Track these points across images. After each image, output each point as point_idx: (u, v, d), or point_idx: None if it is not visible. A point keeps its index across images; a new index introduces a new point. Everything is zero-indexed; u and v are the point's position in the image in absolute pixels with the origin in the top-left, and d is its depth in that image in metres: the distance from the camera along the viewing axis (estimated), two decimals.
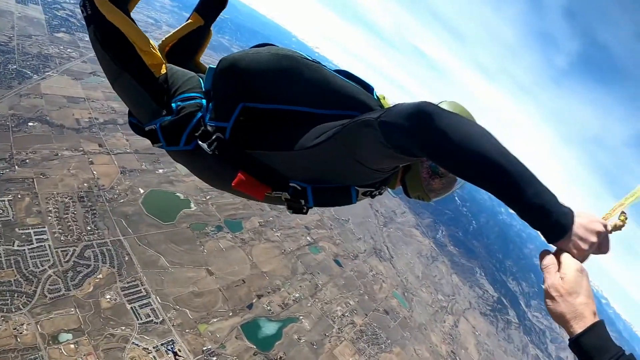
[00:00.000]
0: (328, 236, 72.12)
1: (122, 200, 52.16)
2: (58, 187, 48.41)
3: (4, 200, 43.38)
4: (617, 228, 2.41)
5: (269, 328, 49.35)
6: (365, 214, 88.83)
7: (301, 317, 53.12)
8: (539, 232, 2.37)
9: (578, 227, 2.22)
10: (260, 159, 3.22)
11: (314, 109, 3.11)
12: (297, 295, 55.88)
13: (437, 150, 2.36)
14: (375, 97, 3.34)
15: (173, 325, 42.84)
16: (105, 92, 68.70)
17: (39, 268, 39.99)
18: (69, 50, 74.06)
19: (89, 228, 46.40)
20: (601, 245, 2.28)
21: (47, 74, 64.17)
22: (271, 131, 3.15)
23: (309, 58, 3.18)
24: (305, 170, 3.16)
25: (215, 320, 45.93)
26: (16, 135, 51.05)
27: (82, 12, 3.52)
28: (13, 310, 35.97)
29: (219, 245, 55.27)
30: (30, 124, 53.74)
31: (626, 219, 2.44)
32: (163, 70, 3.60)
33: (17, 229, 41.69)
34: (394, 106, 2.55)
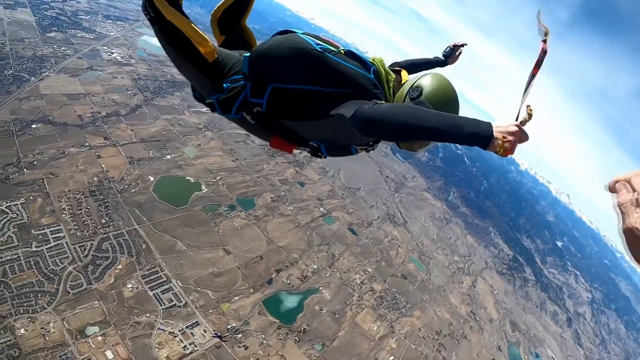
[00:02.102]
0: (341, 206, 72.22)
1: (133, 190, 52.72)
2: (69, 185, 49.02)
3: (17, 204, 44.05)
4: (528, 119, 3.47)
5: (290, 301, 49.87)
6: (376, 181, 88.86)
7: (321, 288, 53.61)
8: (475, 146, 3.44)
9: (497, 133, 3.27)
10: (288, 125, 4.80)
11: (323, 88, 4.44)
12: (315, 266, 56.33)
13: (371, 133, 3.86)
14: (372, 71, 4.71)
15: (196, 307, 43.52)
16: (104, 86, 69.07)
17: (58, 266, 40.78)
18: (63, 48, 73.82)
19: (103, 221, 47.07)
20: (521, 135, 3.30)
21: (44, 74, 64.31)
22: (294, 105, 4.57)
23: (317, 49, 4.43)
24: (319, 134, 4.83)
25: (237, 298, 46.54)
26: (21, 138, 51.59)
27: (146, 15, 4.56)
28: (38, 310, 36.82)
29: (233, 224, 55.67)
30: (33, 125, 54.11)
31: (532, 110, 3.50)
32: (214, 56, 4.75)
33: (33, 231, 42.45)
34: (358, 108, 3.83)
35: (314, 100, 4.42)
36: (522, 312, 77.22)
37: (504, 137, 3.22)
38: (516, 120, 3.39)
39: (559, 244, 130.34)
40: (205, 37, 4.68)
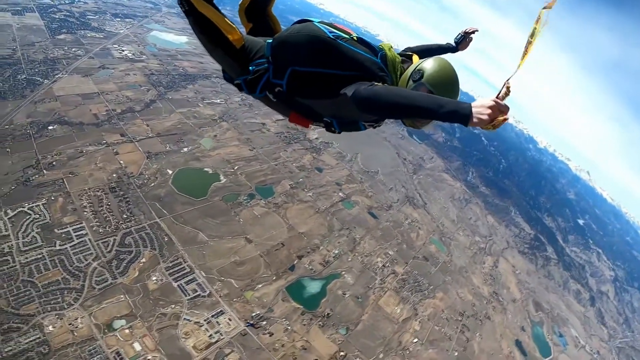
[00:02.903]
0: (359, 190, 71.90)
1: (152, 184, 53.28)
2: (88, 183, 49.69)
3: (38, 205, 44.77)
4: (506, 95, 4.21)
5: (313, 287, 50.08)
6: (394, 164, 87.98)
7: (343, 273, 53.68)
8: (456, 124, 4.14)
9: (475, 110, 3.90)
10: (304, 102, 5.69)
11: (335, 71, 5.28)
12: (336, 251, 56.35)
13: (369, 110, 4.65)
14: (379, 55, 5.56)
15: (220, 297, 43.96)
16: (117, 83, 69.66)
17: (83, 263, 41.45)
18: (73, 49, 74.41)
19: (125, 216, 47.73)
20: (499, 107, 3.90)
21: (57, 76, 64.93)
22: (309, 86, 5.43)
23: (330, 37, 5.31)
24: (331, 111, 5.72)
25: (260, 286, 46.89)
26: (39, 140, 52.27)
27: (181, 7, 5.42)
28: (65, 307, 37.55)
29: (253, 212, 55.93)
30: (50, 127, 54.82)
31: (510, 86, 4.26)
32: (242, 42, 5.66)
33: (56, 230, 43.18)
34: (357, 88, 4.73)
35: (327, 81, 5.27)
36: (545, 291, 76.59)
37: (481, 112, 3.88)
38: (497, 96, 4.07)
39: (580, 221, 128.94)
40: (233, 26, 5.58)
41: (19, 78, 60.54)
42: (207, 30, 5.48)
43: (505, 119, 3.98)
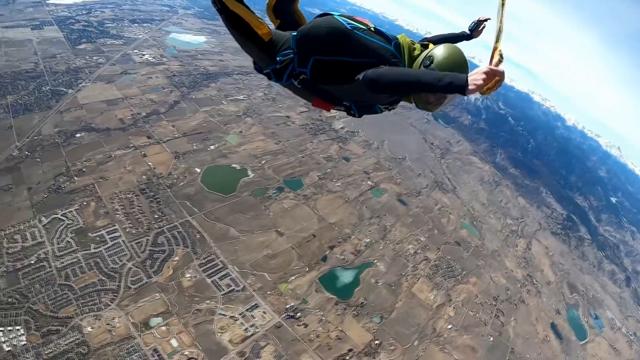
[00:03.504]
0: (388, 177, 71.52)
1: (181, 184, 54.15)
2: (119, 186, 50.80)
3: (71, 211, 46.02)
4: (499, 62, 4.82)
5: (345, 276, 50.13)
6: (421, 149, 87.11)
7: (375, 261, 53.56)
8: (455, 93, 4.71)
9: (471, 78, 4.35)
10: (326, 88, 6.38)
11: (352, 59, 5.87)
12: (367, 240, 56.20)
13: (376, 89, 5.19)
14: (393, 44, 6.10)
15: (254, 290, 44.38)
16: (140, 87, 70.84)
17: (118, 264, 42.47)
18: (95, 58, 75.80)
19: (156, 216, 48.65)
20: (494, 73, 4.29)
21: (80, 85, 66.38)
22: (330, 73, 6.01)
23: (348, 28, 5.95)
24: (349, 95, 6.38)
25: (293, 277, 47.18)
26: (67, 149, 53.69)
27: (214, 6, 6.12)
28: (102, 307, 38.53)
29: (283, 205, 56.23)
30: (77, 135, 56.20)
31: (501, 54, 4.90)
32: (269, 36, 6.29)
33: (89, 234, 44.30)
34: (366, 72, 5.31)
35: (345, 68, 5.85)
36: (580, 272, 75.10)
37: (476, 79, 4.33)
38: (490, 63, 4.68)
39: (613, 199, 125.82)
40: (262, 21, 6.22)
41: (43, 90, 62.12)
42: (238, 26, 6.16)
43: (499, 81, 4.35)
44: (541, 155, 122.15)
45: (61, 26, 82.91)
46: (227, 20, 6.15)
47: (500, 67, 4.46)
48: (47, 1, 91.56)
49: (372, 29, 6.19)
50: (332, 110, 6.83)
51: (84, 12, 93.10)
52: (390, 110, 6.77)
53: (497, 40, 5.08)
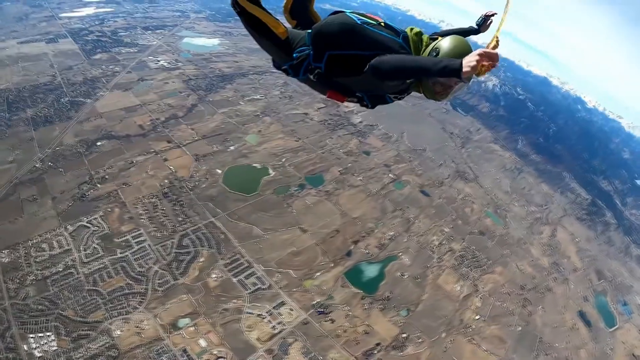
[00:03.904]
0: (409, 169, 71.05)
1: (203, 185, 54.67)
2: (142, 191, 51.53)
3: (96, 218, 46.85)
4: (495, 47, 5.51)
5: (370, 271, 50.07)
6: (441, 139, 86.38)
7: (400, 254, 53.35)
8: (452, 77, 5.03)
9: (465, 61, 4.61)
10: (339, 81, 6.73)
11: (362, 52, 6.14)
12: (391, 233, 55.98)
13: (379, 75, 5.59)
14: (401, 36, 6.52)
15: (280, 288, 44.61)
16: (158, 93, 71.69)
17: (144, 267, 43.17)
18: (110, 67, 76.72)
19: (180, 219, 49.25)
20: (488, 55, 4.52)
21: (98, 94, 67.39)
22: (343, 66, 6.40)
23: (358, 23, 6.36)
24: (361, 86, 6.81)
25: (318, 274, 47.30)
26: (89, 157, 54.64)
27: (234, 9, 6.57)
28: (131, 310, 39.21)
29: (305, 202, 56.41)
30: (98, 143, 57.15)
31: (498, 41, 5.55)
32: (286, 35, 6.75)
33: (115, 239, 45.06)
34: (371, 61, 5.67)
35: (356, 61, 6.16)
36: (607, 258, 73.67)
37: (470, 61, 4.59)
38: (486, 47, 5.13)
39: (638, 182, 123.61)
40: (278, 21, 6.69)
41: (62, 101, 63.17)
42: (256, 26, 6.68)
43: (492, 65, 4.60)
44: (563, 140, 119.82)
45: (75, 38, 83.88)
46: (246, 22, 6.69)
47: (494, 50, 4.90)
48: (60, 14, 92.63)
49: (382, 23, 6.63)
50: (346, 102, 7.13)
51: (96, 22, 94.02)
52: (399, 99, 7.14)
53: (498, 29, 5.92)
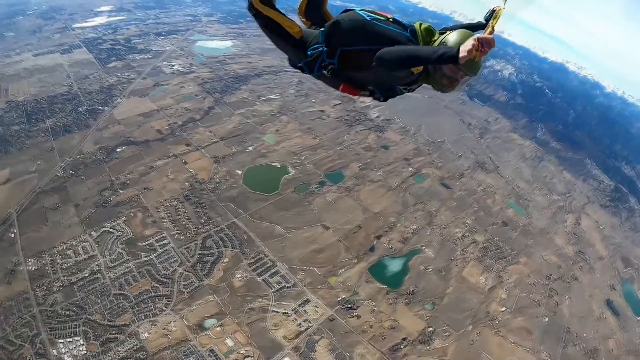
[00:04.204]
0: (428, 162, 70.59)
1: (224, 187, 54.98)
2: (163, 195, 52.05)
3: (119, 223, 47.48)
4: (491, 32, 5.59)
5: (394, 265, 49.87)
6: (459, 130, 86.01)
7: (423, 247, 53.03)
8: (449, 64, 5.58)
9: (461, 48, 5.06)
10: (351, 75, 7.09)
11: (372, 46, 6.39)
12: (414, 227, 55.65)
13: (384, 65, 5.94)
14: (409, 30, 6.80)
15: (305, 285, 44.66)
16: (174, 97, 72.34)
17: (169, 270, 43.61)
18: (126, 74, 77.57)
19: (202, 221, 49.61)
20: (484, 40, 5.00)
21: (116, 102, 68.30)
22: (354, 61, 6.80)
23: (367, 19, 6.78)
24: (372, 79, 7.13)
25: (342, 270, 47.26)
26: (110, 164, 55.41)
27: (250, 12, 6.99)
28: (158, 313, 39.68)
29: (326, 199, 56.42)
30: (118, 149, 57.88)
31: (494, 28, 5.80)
32: (300, 34, 7.21)
33: (139, 243, 45.63)
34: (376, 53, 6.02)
35: (367, 56, 6.40)
36: (632, 245, 72.25)
37: (466, 46, 5.05)
38: (483, 32, 5.72)
39: None
40: (293, 21, 7.22)
41: (80, 110, 64.05)
42: (272, 27, 7.14)
43: (487, 49, 5.10)
44: (582, 126, 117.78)
45: (90, 47, 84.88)
46: (263, 24, 7.17)
47: (490, 35, 5.24)
48: (73, 25, 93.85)
49: (391, 19, 6.98)
50: (359, 97, 7.69)
51: (109, 31, 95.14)
52: (409, 91, 7.44)
53: (496, 17, 6.29)
